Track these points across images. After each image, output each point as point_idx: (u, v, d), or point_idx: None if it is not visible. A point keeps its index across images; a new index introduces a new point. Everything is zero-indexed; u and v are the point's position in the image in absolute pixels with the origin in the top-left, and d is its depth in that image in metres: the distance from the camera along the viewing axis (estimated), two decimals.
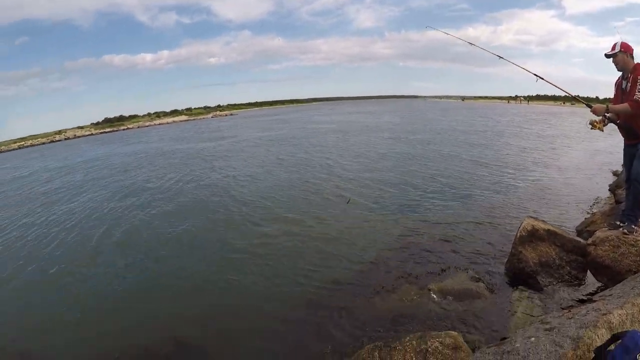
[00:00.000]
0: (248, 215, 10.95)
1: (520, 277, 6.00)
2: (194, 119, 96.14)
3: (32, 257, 9.33)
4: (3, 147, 68.11)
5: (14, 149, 64.36)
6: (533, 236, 6.19)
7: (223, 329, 5.74)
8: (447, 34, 8.82)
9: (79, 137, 74.77)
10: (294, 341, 5.30)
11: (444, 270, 6.69)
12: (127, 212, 12.56)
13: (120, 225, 11.12)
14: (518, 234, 6.28)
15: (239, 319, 5.96)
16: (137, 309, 6.56)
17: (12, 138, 78.29)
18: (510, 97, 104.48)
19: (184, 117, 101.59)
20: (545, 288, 5.68)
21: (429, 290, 6.08)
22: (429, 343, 3.80)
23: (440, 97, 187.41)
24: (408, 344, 3.88)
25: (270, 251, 8.36)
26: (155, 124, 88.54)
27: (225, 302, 6.53)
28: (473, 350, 3.75)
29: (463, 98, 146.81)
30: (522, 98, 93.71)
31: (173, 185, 16.22)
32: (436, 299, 5.81)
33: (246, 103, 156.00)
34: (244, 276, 7.31)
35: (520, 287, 5.88)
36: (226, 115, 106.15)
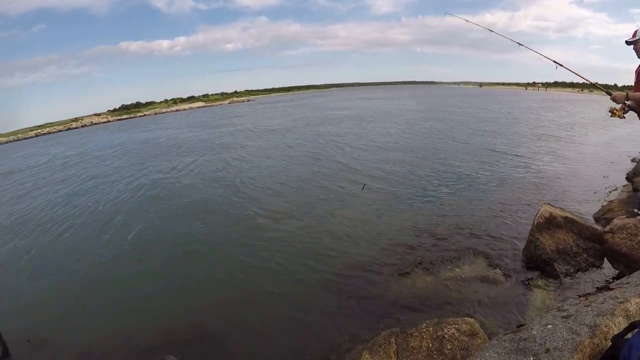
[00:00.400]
0: (263, 204, 11.03)
1: (537, 264, 6.01)
2: (210, 105, 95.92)
3: (47, 246, 9.59)
4: (20, 134, 69.07)
5: (31, 137, 65.18)
6: (550, 223, 6.18)
7: (240, 318, 5.86)
8: (467, 20, 8.70)
9: (95, 124, 75.41)
10: (311, 329, 5.41)
11: (461, 257, 6.73)
12: (141, 202, 12.71)
13: (134, 216, 11.25)
14: (535, 221, 6.27)
15: (255, 308, 6.08)
16: (156, 298, 6.70)
17: (30, 126, 79.33)
18: (528, 83, 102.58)
19: (200, 104, 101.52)
20: (562, 275, 5.69)
21: (446, 276, 6.13)
22: (445, 329, 3.84)
23: (457, 83, 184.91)
24: (425, 330, 3.92)
25: (285, 239, 8.45)
26: (172, 111, 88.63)
27: (241, 291, 6.63)
28: (489, 337, 3.78)
29: (481, 84, 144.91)
30: (539, 84, 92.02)
31: (188, 174, 16.36)
32: (453, 286, 5.86)
33: (263, 89, 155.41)
34: (259, 265, 7.42)
35: (537, 274, 5.90)
36: (243, 101, 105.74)
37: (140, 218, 10.90)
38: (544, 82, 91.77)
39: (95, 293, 7.01)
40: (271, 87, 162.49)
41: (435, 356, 3.66)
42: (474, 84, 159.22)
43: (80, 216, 11.67)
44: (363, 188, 11.40)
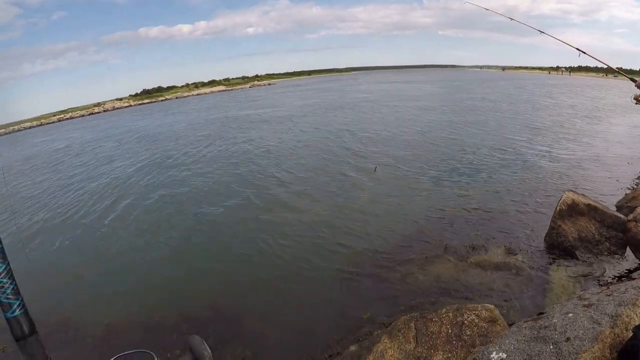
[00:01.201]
0: (280, 189, 11.16)
1: (558, 251, 5.99)
2: (231, 89, 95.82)
3: (69, 231, 9.91)
4: (43, 120, 70.35)
5: (53, 122, 66.38)
6: (573, 210, 6.13)
7: (258, 300, 6.01)
8: (487, 9, 8.50)
9: (117, 108, 76.34)
10: (330, 312, 5.51)
11: (481, 244, 6.73)
12: (158, 189, 12.84)
13: (151, 202, 11.48)
14: (558, 208, 6.23)
15: (273, 291, 6.22)
16: (174, 282, 6.86)
17: (53, 111, 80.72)
18: (552, 68, 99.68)
19: (222, 87, 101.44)
20: (584, 263, 5.65)
21: (467, 262, 6.15)
22: (465, 315, 3.86)
23: (480, 67, 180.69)
24: (444, 315, 3.95)
25: (303, 224, 8.56)
26: (193, 95, 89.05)
27: (259, 274, 6.78)
28: (509, 324, 3.80)
29: (503, 68, 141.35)
30: (563, 69, 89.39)
31: (205, 161, 16.46)
32: (473, 272, 5.88)
33: (284, 73, 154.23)
34: (277, 249, 7.55)
35: (558, 261, 5.87)
36: (264, 85, 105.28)
37: (157, 205, 11.12)
38: (567, 66, 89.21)
39: (116, 276, 7.27)
40: (292, 71, 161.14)
41: (454, 342, 3.69)
42: (497, 67, 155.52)
43: (100, 201, 12.02)
44: (375, 170, 11.43)
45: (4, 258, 1.03)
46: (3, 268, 1.03)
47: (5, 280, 1.03)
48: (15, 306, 1.05)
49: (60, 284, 7.20)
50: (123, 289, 6.71)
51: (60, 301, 6.54)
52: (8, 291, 1.03)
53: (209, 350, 1.35)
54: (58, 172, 17.78)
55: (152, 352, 1.37)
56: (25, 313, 1.07)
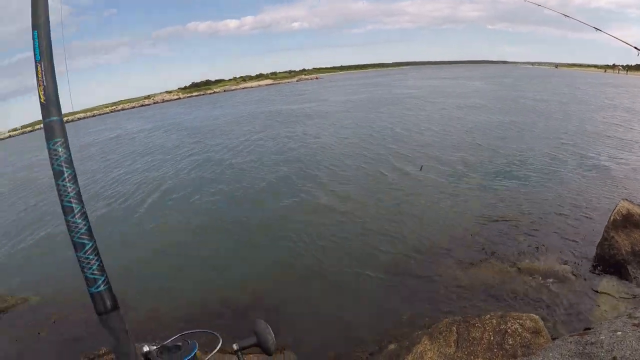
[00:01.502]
0: (324, 186, 11.36)
1: (609, 264, 5.76)
2: (278, 83, 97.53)
3: (123, 213, 10.54)
4: (95, 111, 73.94)
5: (106, 113, 69.83)
6: (627, 221, 5.89)
7: (300, 293, 6.25)
8: (539, 5, 8.19)
9: (167, 101, 79.20)
10: (371, 309, 5.64)
11: (529, 250, 6.62)
12: (209, 178, 13.51)
13: (202, 191, 12.07)
14: (612, 218, 6.00)
15: (316, 285, 6.44)
16: (219, 267, 7.33)
17: (105, 103, 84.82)
18: (607, 65, 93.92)
19: (269, 81, 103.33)
20: (635, 280, 5.43)
21: (513, 269, 6.06)
22: (509, 324, 3.83)
23: (532, 64, 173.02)
24: (488, 322, 3.93)
25: (347, 221, 8.72)
26: (240, 88, 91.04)
27: (303, 268, 7.02)
28: (553, 337, 3.74)
29: (556, 65, 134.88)
30: (620, 67, 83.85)
31: (250, 154, 16.95)
32: (519, 279, 5.81)
33: (331, 67, 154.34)
34: (320, 244, 7.77)
35: (608, 275, 5.66)
36: (311, 79, 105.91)
37: (202, 200, 11.59)
38: (624, 64, 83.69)
39: (164, 268, 7.70)
40: (339, 65, 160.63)
41: (495, 350, 3.68)
42: (549, 64, 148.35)
43: (145, 193, 12.73)
44: (421, 169, 11.37)
45: (91, 236, 1.15)
46: (90, 245, 1.14)
47: (91, 257, 1.14)
48: (100, 282, 1.16)
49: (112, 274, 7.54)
50: (173, 277, 7.18)
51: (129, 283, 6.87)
52: (94, 267, 1.15)
53: (273, 335, 1.45)
54: (106, 160, 18.91)
55: (216, 333, 1.48)
56: (109, 289, 1.19)
